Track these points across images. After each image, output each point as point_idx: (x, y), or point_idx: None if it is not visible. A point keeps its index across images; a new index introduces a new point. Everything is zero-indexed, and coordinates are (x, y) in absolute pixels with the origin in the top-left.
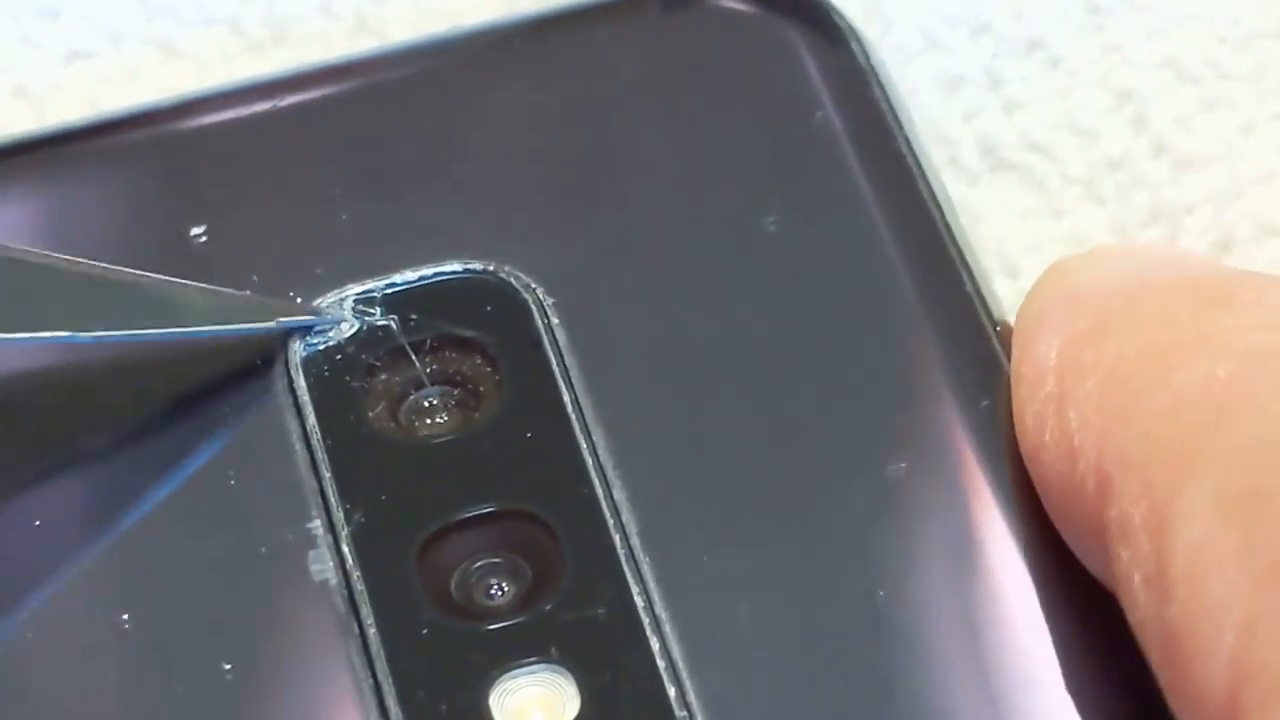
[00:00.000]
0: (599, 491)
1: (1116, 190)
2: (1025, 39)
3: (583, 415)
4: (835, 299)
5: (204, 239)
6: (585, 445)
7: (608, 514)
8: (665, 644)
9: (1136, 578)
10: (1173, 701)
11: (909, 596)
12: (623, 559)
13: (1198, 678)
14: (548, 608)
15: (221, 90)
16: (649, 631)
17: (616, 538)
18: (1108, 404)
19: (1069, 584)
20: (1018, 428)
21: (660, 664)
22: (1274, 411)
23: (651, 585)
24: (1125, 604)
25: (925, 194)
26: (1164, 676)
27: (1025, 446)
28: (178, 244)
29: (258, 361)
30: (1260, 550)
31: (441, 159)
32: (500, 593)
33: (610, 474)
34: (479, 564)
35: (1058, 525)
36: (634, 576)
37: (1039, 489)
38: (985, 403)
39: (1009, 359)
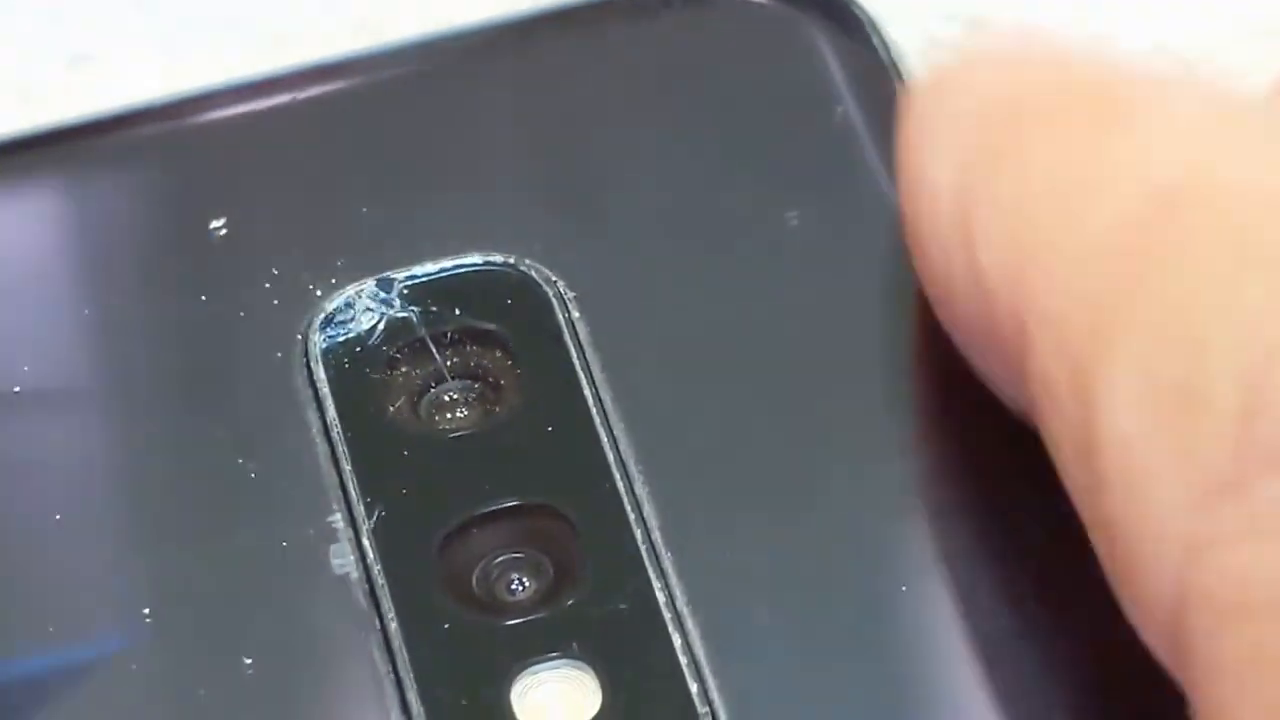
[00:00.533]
0: (620, 486)
1: None
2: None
3: (604, 409)
4: (857, 294)
5: (224, 232)
6: (607, 439)
7: (629, 509)
8: (687, 639)
9: (1066, 442)
10: (1115, 584)
11: (933, 593)
12: (644, 554)
13: (1142, 583)
14: (569, 603)
15: (240, 83)
16: (671, 627)
17: (638, 532)
18: (1018, 245)
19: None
20: (921, 258)
21: (682, 659)
22: (1190, 280)
23: (673, 580)
24: (1056, 461)
25: None
26: (1106, 560)
27: (932, 279)
28: (198, 237)
29: (277, 354)
30: (1198, 464)
31: (462, 152)
32: (521, 588)
33: (632, 468)
34: (500, 559)
35: (972, 359)
36: (655, 571)
37: (948, 322)
38: None
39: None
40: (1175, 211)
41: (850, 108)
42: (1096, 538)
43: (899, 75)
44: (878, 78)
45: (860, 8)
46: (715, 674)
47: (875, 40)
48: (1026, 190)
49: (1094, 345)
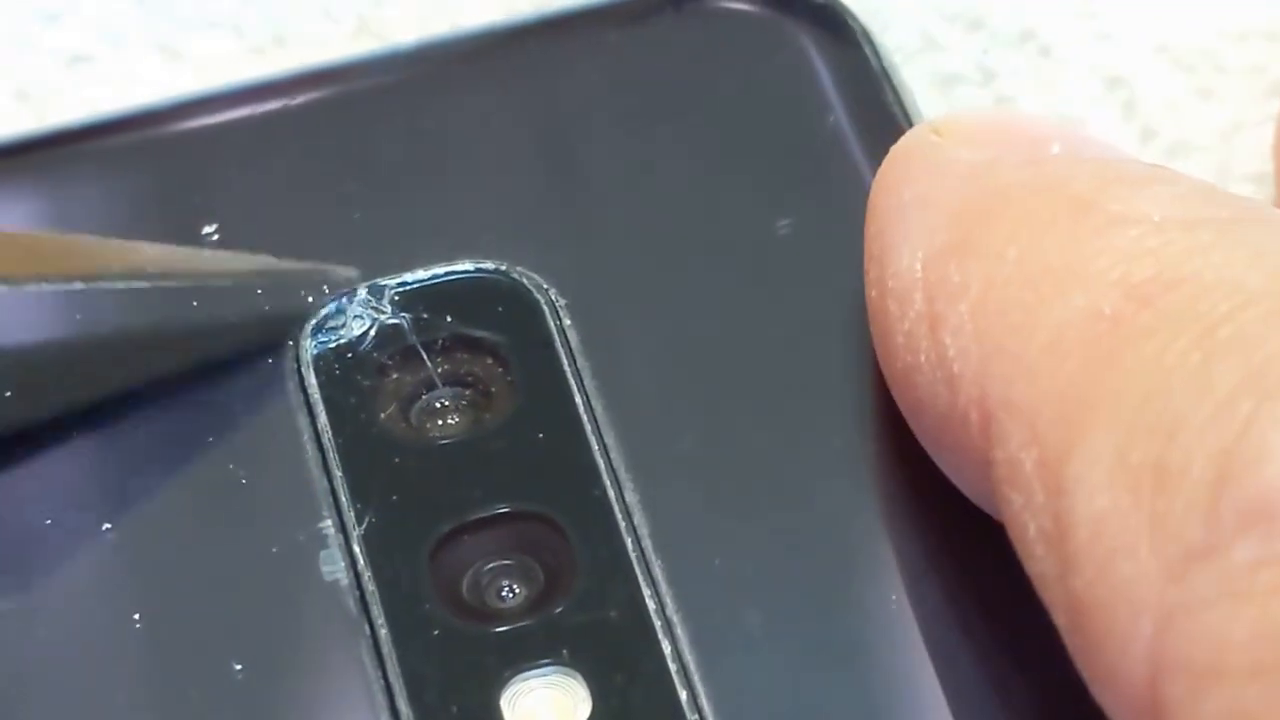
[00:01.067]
0: (611, 493)
1: None
2: (1019, 30)
3: (595, 416)
4: (847, 303)
5: (216, 237)
6: (597, 447)
7: (620, 516)
8: (677, 647)
9: (1032, 528)
10: (1082, 664)
11: (922, 601)
12: (634, 561)
13: (1113, 659)
14: (559, 610)
15: (234, 89)
16: (661, 634)
17: (628, 540)
18: (986, 335)
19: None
20: (885, 345)
21: (672, 667)
22: (1166, 365)
23: (663, 588)
24: (1019, 548)
25: None
26: (1073, 641)
27: (895, 366)
28: (190, 242)
29: (269, 360)
30: (1172, 535)
31: (453, 159)
32: (512, 594)
33: (622, 476)
34: (490, 565)
35: (929, 446)
36: (646, 579)
37: (908, 410)
38: None
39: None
40: (1145, 305)
41: (841, 117)
42: (1064, 622)
43: (890, 84)
44: (870, 87)
45: (853, 16)
46: (704, 681)
47: (867, 49)
48: (996, 282)
49: (1064, 433)
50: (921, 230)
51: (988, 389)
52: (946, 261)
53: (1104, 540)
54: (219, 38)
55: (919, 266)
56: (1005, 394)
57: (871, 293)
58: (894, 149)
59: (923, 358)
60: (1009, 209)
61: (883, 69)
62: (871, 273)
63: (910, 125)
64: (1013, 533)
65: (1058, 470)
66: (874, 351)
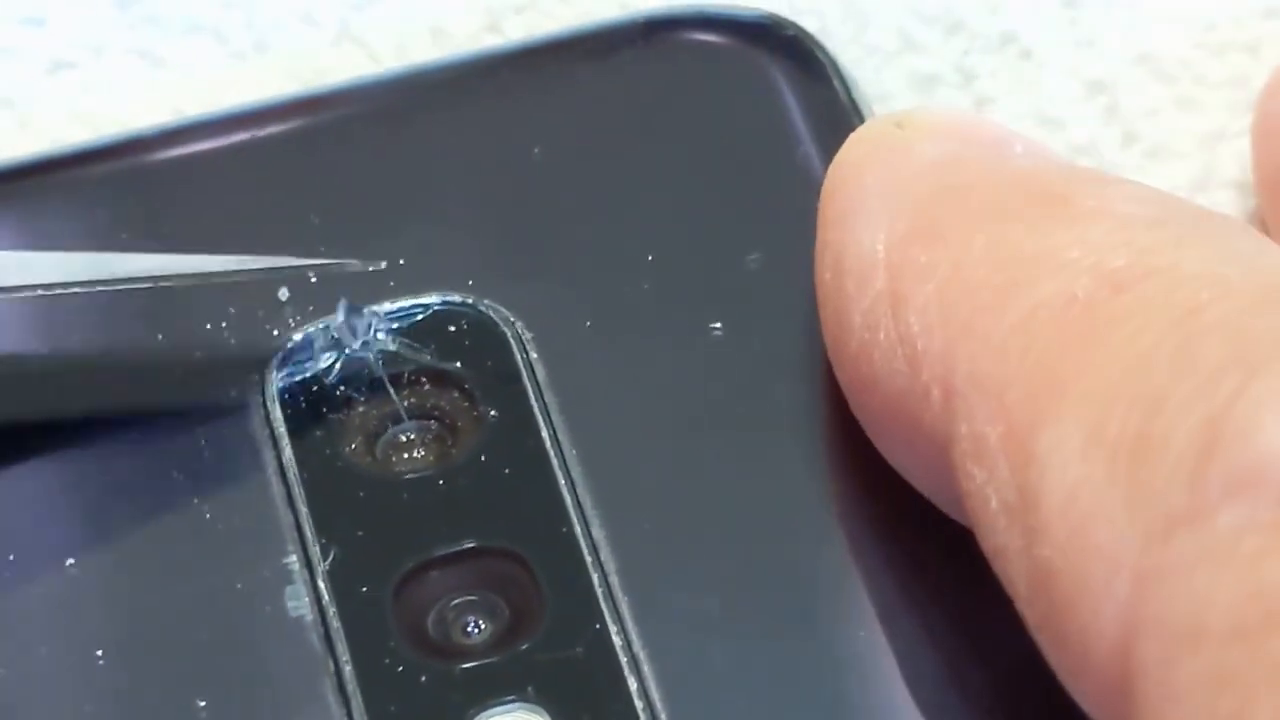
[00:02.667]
0: (577, 529)
1: None
2: (998, 33)
3: (562, 451)
4: (817, 337)
5: None
6: (564, 482)
7: (586, 552)
8: (643, 684)
9: (994, 501)
10: (1046, 636)
11: (890, 636)
12: (601, 597)
13: (1083, 623)
14: (525, 646)
15: (198, 121)
16: (627, 671)
17: (595, 576)
18: (952, 314)
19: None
20: (839, 324)
21: (638, 704)
22: (1140, 348)
23: (630, 624)
24: (979, 523)
25: None
26: (1036, 610)
27: (850, 345)
28: None
29: (234, 393)
30: (1152, 500)
31: (420, 192)
32: (477, 630)
33: (589, 511)
34: (456, 601)
35: (876, 426)
36: (612, 615)
37: (856, 386)
38: None
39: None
40: (1122, 290)
41: (811, 149)
42: (1025, 592)
43: (860, 117)
44: (839, 118)
45: (822, 49)
46: (671, 718)
47: (836, 81)
48: (965, 264)
49: (1034, 408)
50: (884, 214)
51: (953, 365)
52: (911, 244)
53: (1077, 507)
54: (201, 43)
55: (881, 248)
56: (972, 370)
57: (825, 275)
58: (854, 136)
59: (881, 335)
60: (977, 197)
61: (852, 101)
62: (827, 255)
63: None
64: (972, 508)
65: (1025, 443)
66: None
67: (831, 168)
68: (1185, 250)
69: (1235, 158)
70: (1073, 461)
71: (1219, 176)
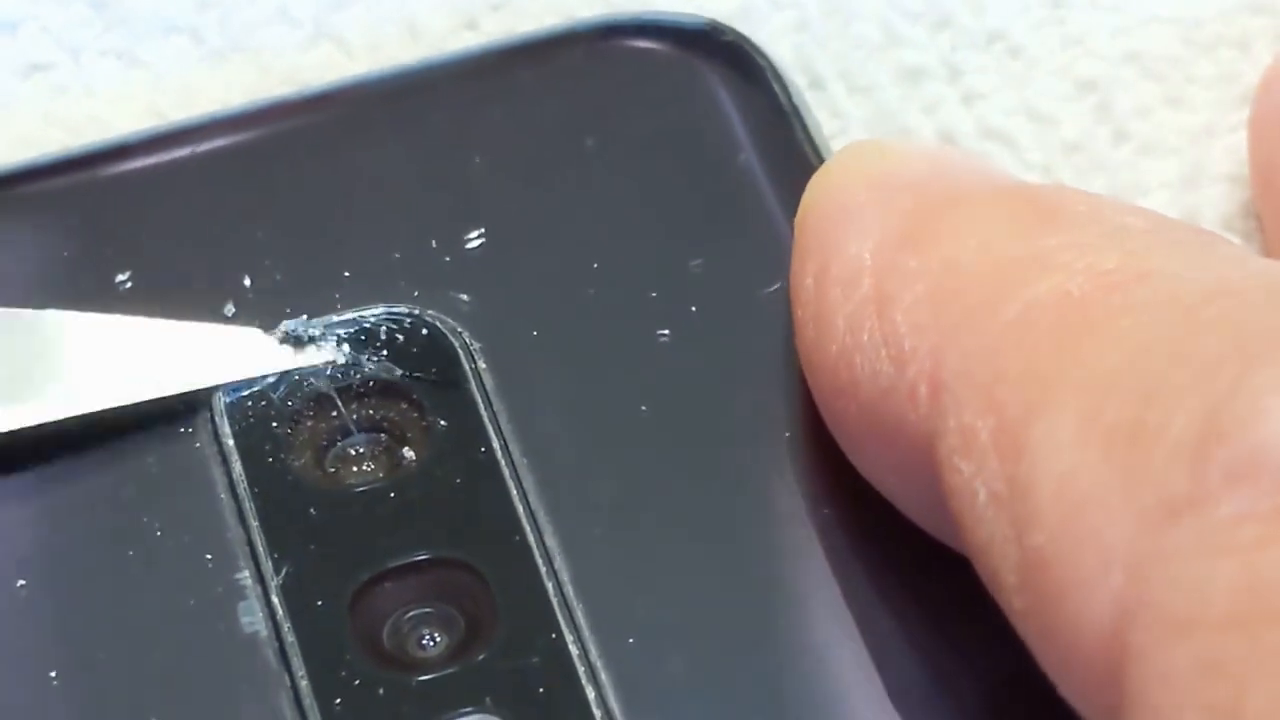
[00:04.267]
0: (530, 538)
1: (1075, 174)
2: (985, 31)
3: (513, 461)
4: (762, 341)
5: (129, 285)
6: (516, 491)
7: (540, 561)
8: (600, 692)
9: (982, 493)
10: (1032, 625)
11: (849, 644)
12: (556, 606)
13: (1073, 611)
14: (481, 657)
15: (146, 135)
16: (584, 680)
17: (549, 585)
18: (943, 312)
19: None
20: (820, 330)
21: (596, 713)
22: (1136, 342)
23: (585, 633)
24: (963, 517)
25: None
26: (1025, 600)
27: (830, 349)
28: (103, 290)
29: (183, 409)
30: (1149, 487)
31: (364, 202)
32: (433, 642)
33: (541, 520)
34: (411, 613)
35: (853, 430)
36: (568, 624)
37: (834, 391)
38: None
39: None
40: (1115, 290)
41: (752, 155)
42: (1014, 581)
43: (801, 121)
44: (780, 126)
45: (762, 54)
46: None
47: (776, 87)
48: (955, 266)
49: (1027, 400)
50: (873, 222)
51: (942, 361)
52: (900, 249)
53: (1072, 493)
54: (177, 43)
55: (867, 255)
56: (962, 367)
57: (806, 281)
58: (837, 154)
59: (865, 337)
60: (967, 206)
61: (793, 106)
62: (809, 264)
63: (820, 160)
64: (959, 503)
65: (1017, 434)
66: (795, 387)
67: (813, 181)
68: (1178, 254)
69: (1226, 153)
70: (1066, 448)
71: (1210, 172)
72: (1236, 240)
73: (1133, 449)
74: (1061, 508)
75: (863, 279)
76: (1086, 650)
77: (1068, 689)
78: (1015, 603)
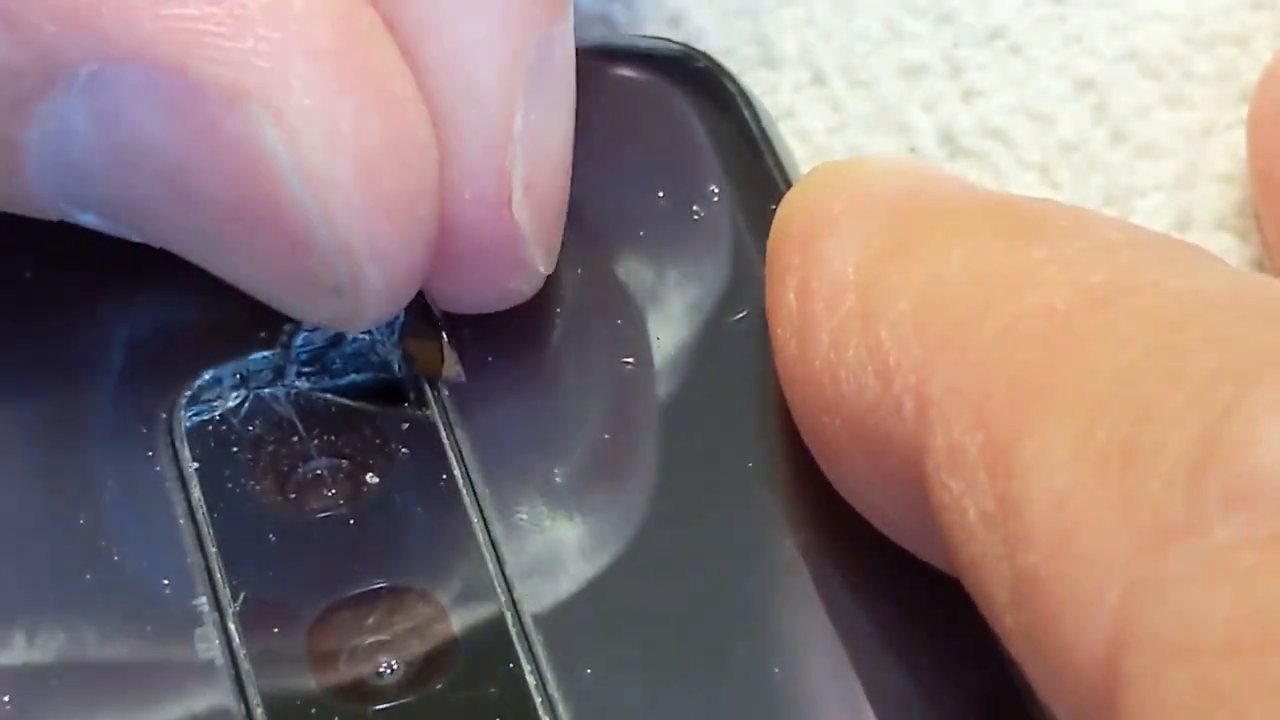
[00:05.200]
0: (490, 568)
1: (1072, 174)
2: (987, 27)
3: (474, 489)
4: (727, 369)
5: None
6: (476, 520)
7: (499, 591)
8: None
9: (972, 511)
10: (1024, 645)
11: (806, 679)
12: (515, 637)
13: (1067, 634)
14: (439, 687)
15: None
16: (541, 710)
17: (508, 615)
18: (928, 327)
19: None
20: (803, 346)
21: None
22: (1127, 358)
23: (544, 663)
24: (954, 535)
25: None
26: (1017, 619)
27: (814, 364)
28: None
29: (143, 432)
30: (1145, 511)
31: None
32: (390, 671)
33: (502, 550)
34: (368, 642)
35: (834, 446)
36: (526, 655)
37: (817, 407)
38: None
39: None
40: (1102, 305)
41: (721, 182)
42: (1007, 599)
43: (770, 147)
44: (749, 150)
45: (732, 79)
46: None
47: (746, 112)
48: (940, 280)
49: (1016, 417)
50: (854, 238)
51: (929, 377)
52: (883, 264)
53: (1066, 514)
54: None
55: (851, 270)
56: (950, 382)
57: (787, 296)
58: (812, 171)
59: (850, 352)
60: (951, 219)
61: (762, 132)
62: (790, 278)
63: (790, 187)
64: (949, 520)
65: (1007, 452)
66: (762, 414)
67: (788, 198)
68: (1165, 268)
69: (1224, 151)
70: (1059, 468)
71: (1207, 171)
72: (1233, 239)
73: (1128, 470)
74: (1056, 528)
75: (847, 294)
76: (1081, 672)
77: (1061, 708)
78: (1007, 621)
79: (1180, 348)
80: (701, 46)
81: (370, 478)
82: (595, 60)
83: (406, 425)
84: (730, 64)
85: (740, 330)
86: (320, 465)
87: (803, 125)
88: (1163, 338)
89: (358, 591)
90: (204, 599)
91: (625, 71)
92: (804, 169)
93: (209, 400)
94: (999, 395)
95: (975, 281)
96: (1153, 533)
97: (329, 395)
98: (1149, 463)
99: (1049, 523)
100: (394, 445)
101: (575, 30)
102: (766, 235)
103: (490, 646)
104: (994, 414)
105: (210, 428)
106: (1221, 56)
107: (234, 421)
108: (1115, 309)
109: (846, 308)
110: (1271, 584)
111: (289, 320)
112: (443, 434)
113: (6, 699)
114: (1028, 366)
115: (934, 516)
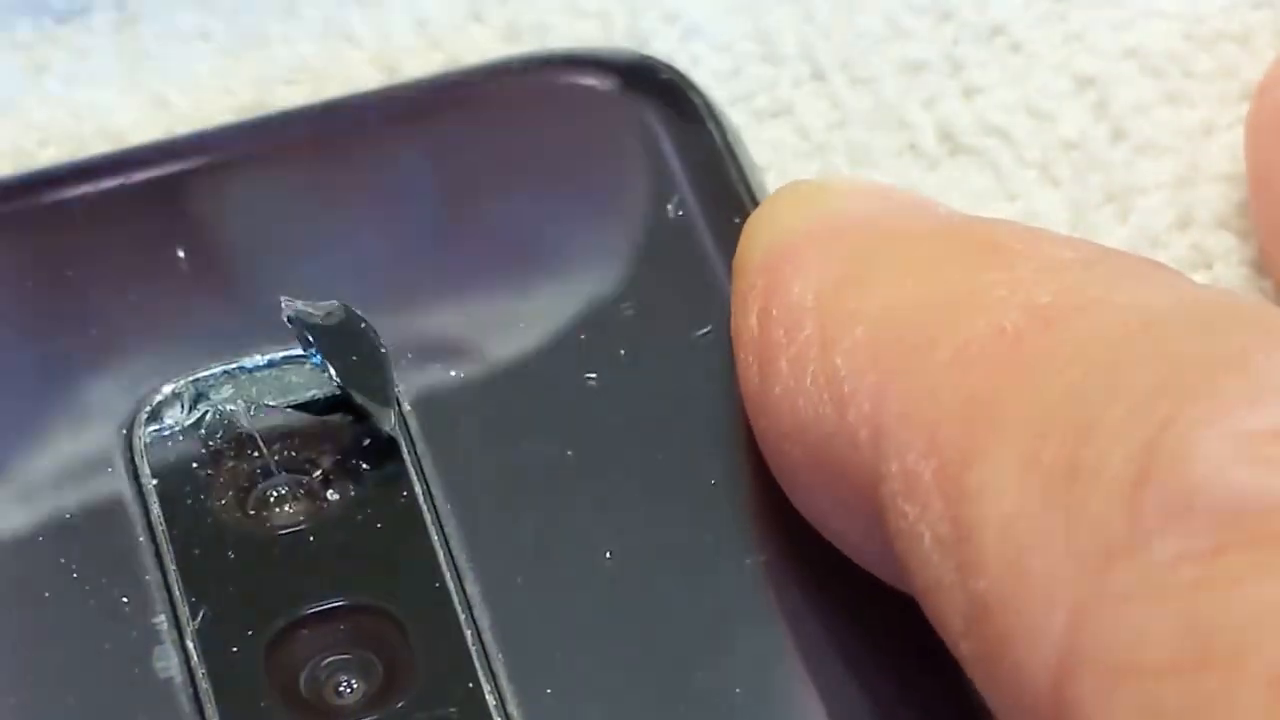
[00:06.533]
0: (451, 586)
1: (1072, 172)
2: (988, 24)
3: (435, 507)
4: (690, 385)
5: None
6: (437, 537)
7: (460, 609)
8: None
9: (927, 537)
10: (980, 670)
11: (769, 695)
12: (475, 655)
13: (1019, 657)
14: (399, 705)
15: (67, 167)
16: None
17: (468, 633)
18: (882, 354)
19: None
20: (763, 372)
21: None
22: (1072, 377)
23: (504, 681)
24: (911, 560)
25: None
26: (970, 646)
27: (773, 392)
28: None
29: (101, 449)
30: (1088, 530)
31: (288, 239)
32: (350, 690)
33: (462, 567)
34: (328, 660)
35: (797, 474)
36: (485, 674)
37: (776, 435)
38: None
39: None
40: (1050, 325)
41: (685, 195)
42: (960, 627)
43: (735, 160)
44: (713, 163)
45: (697, 91)
46: None
47: (711, 124)
48: (894, 307)
49: (967, 441)
50: (815, 264)
51: (882, 405)
52: (841, 291)
53: (1013, 539)
54: (186, 39)
55: (811, 296)
56: (902, 409)
57: (749, 321)
58: (775, 193)
59: (809, 381)
60: (907, 246)
61: (726, 144)
62: (751, 303)
63: (755, 201)
64: (903, 547)
65: (959, 477)
66: (724, 430)
67: (752, 219)
68: (1114, 285)
69: (1225, 150)
70: (1008, 492)
71: (1208, 170)
72: (1234, 238)
73: (1070, 491)
74: (1004, 553)
75: (805, 321)
76: (1032, 698)
77: None
78: (962, 647)
79: (1123, 363)
80: (700, 42)
81: (330, 494)
82: (558, 70)
83: (367, 441)
84: (729, 60)
85: (704, 345)
86: (280, 482)
87: (802, 122)
88: (1107, 354)
89: (317, 609)
90: (163, 617)
91: (589, 82)
92: (802, 165)
93: (168, 416)
94: (951, 421)
95: (928, 308)
96: (1095, 552)
97: (289, 411)
98: (1091, 481)
99: (998, 547)
100: (354, 462)
101: (564, 26)
102: (731, 249)
103: (449, 665)
104: (946, 439)
105: (169, 444)
106: (1223, 55)
107: (193, 437)
108: (1062, 328)
109: (805, 335)
110: (1209, 599)
111: (247, 336)
112: (404, 450)
113: None
114: (978, 391)
115: (891, 543)
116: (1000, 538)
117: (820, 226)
